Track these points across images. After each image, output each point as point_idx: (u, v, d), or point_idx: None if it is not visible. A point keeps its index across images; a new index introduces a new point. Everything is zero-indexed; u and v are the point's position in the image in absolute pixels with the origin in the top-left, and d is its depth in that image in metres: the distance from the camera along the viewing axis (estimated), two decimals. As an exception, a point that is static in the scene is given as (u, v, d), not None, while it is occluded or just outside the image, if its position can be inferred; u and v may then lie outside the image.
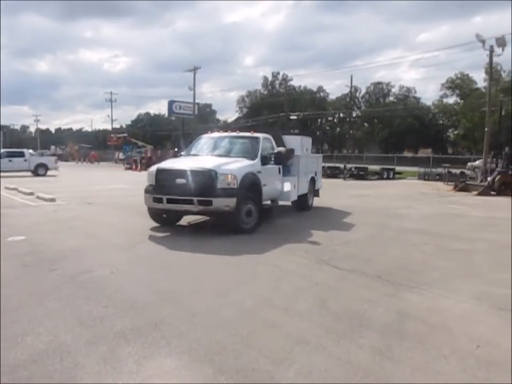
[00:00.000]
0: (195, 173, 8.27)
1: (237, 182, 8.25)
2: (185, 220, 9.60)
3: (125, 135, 56.47)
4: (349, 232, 8.97)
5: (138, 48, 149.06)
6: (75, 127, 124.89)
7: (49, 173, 26.80)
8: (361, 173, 29.25)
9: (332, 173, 29.87)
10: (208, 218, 9.76)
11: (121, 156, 50.75)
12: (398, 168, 33.31)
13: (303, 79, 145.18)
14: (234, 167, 8.60)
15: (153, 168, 8.94)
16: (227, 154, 9.67)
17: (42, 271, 5.59)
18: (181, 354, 3.38)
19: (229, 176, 8.24)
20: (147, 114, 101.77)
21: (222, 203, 8.01)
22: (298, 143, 11.71)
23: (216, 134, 10.85)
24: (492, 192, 18.45)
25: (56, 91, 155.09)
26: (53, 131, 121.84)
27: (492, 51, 24.51)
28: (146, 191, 8.66)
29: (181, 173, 8.31)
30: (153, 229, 8.85)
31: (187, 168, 8.38)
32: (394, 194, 18.17)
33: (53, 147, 72.56)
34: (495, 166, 20.29)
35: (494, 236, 8.79)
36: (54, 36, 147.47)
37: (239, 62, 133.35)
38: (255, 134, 10.32)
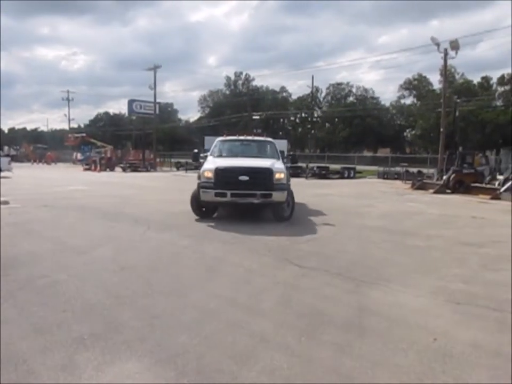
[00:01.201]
0: (256, 170, 9.76)
1: (285, 178, 9.94)
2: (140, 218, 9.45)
3: (83, 134, 54.86)
4: (312, 230, 9.08)
5: (97, 46, 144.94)
6: (30, 126, 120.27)
7: (2, 174, 25.65)
8: (323, 172, 29.72)
9: (294, 172, 30.11)
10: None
11: (79, 156, 49.21)
12: (359, 168, 34.04)
13: (266, 79, 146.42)
14: (280, 166, 10.31)
15: (209, 167, 9.95)
16: (259, 155, 11.32)
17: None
18: (142, 358, 3.31)
19: (281, 173, 9.84)
20: (106, 113, 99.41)
21: (278, 196, 9.65)
22: (285, 145, 12.32)
23: (239, 138, 12.39)
24: (448, 190, 19.17)
25: (10, 90, 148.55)
26: (6, 131, 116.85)
27: (446, 54, 25.44)
28: (204, 187, 9.63)
29: (243, 171, 9.62)
30: (113, 231, 8.65)
31: (248, 166, 9.84)
32: (355, 193, 18.57)
33: (6, 148, 69.49)
34: (450, 165, 21.06)
35: (449, 232, 9.14)
36: (8, 32, 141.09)
37: (202, 62, 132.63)
38: (269, 138, 12.37)
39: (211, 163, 10.27)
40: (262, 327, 3.93)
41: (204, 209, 10.31)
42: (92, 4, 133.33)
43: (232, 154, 11.31)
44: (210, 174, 9.73)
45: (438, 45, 25.01)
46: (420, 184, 21.39)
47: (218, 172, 9.69)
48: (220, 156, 11.18)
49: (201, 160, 11.60)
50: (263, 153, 11.65)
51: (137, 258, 6.46)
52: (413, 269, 6.04)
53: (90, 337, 3.66)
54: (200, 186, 9.76)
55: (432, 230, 9.43)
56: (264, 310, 4.37)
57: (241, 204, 9.78)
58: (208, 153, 11.54)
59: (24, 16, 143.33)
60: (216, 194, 9.53)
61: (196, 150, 12.31)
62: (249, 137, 12.44)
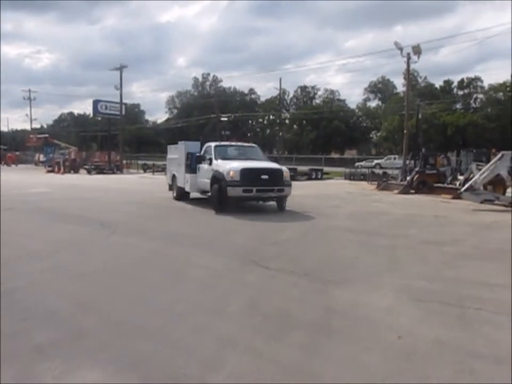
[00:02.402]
0: (272, 170, 12.11)
1: (289, 176, 12.42)
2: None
3: (46, 135, 53.18)
4: (279, 232, 9.10)
5: (63, 45, 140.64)
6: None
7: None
8: (291, 173, 29.75)
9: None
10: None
11: (42, 157, 47.69)
12: (326, 169, 34.48)
13: (235, 80, 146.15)
14: (282, 166, 13.05)
15: (235, 167, 11.52)
16: (255, 158, 13.17)
17: None
18: (106, 365, 3.21)
19: (287, 173, 12.35)
20: (70, 114, 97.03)
21: (287, 190, 12.16)
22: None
23: (234, 143, 14.75)
24: (411, 191, 19.66)
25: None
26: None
27: (409, 58, 26.15)
28: (231, 185, 11.31)
29: (264, 171, 11.85)
30: (75, 235, 8.42)
31: (266, 167, 12.23)
32: (322, 194, 18.79)
33: (-37, 149, 66.58)
34: (413, 166, 21.61)
35: (413, 231, 9.37)
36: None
37: (171, 62, 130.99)
38: (253, 144, 15.30)
39: (226, 164, 11.84)
40: (229, 330, 3.89)
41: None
42: (57, 0, 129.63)
43: (233, 157, 12.83)
44: (234, 174, 11.38)
45: (401, 49, 25.69)
46: (385, 185, 21.86)
47: (245, 172, 11.45)
48: (224, 158, 12.43)
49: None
50: (255, 155, 13.50)
51: (101, 264, 6.29)
52: (378, 268, 6.13)
53: (51, 345, 3.52)
54: (227, 184, 11.33)
55: (396, 229, 9.64)
56: (231, 313, 4.34)
57: (260, 197, 12.11)
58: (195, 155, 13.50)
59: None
60: (244, 191, 11.36)
61: (198, 154, 13.45)
62: (240, 143, 14.89)
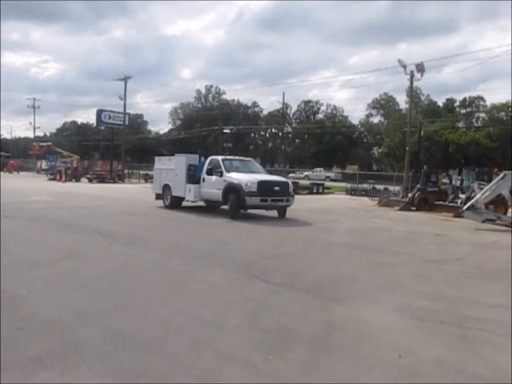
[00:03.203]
0: (282, 183, 14.11)
1: (292, 188, 14.45)
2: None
3: (49, 143, 53.46)
4: (279, 246, 9.08)
5: (69, 55, 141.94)
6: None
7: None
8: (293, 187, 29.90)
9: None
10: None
11: (44, 165, 47.83)
12: (327, 184, 34.51)
13: (238, 93, 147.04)
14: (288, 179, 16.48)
15: (252, 179, 13.08)
16: (256, 171, 14.78)
17: None
18: (104, 378, 3.18)
19: (291, 185, 14.53)
20: (73, 123, 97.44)
21: (291, 200, 13.94)
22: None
23: (238, 157, 16.34)
24: (412, 208, 19.63)
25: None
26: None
27: (412, 75, 26.36)
28: (249, 195, 12.78)
29: (276, 183, 13.69)
30: (76, 244, 8.40)
31: (277, 180, 14.30)
32: (323, 208, 18.76)
33: (-35, 155, 66.84)
34: (415, 183, 21.59)
35: (414, 249, 9.33)
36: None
37: (175, 74, 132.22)
38: (251, 159, 17.56)
39: (240, 176, 13.43)
40: (228, 344, 3.86)
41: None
42: (64, 9, 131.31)
43: (238, 169, 14.24)
44: (252, 185, 12.89)
45: (404, 67, 25.91)
46: (386, 201, 21.84)
47: (262, 184, 13.02)
48: (231, 171, 13.88)
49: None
50: (255, 168, 15.19)
51: (101, 273, 6.27)
52: (379, 286, 6.10)
53: (49, 356, 3.49)
54: (245, 194, 12.77)
55: (397, 246, 9.60)
56: (231, 327, 4.31)
57: (273, 206, 13.60)
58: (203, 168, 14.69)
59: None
60: (261, 200, 12.89)
61: (209, 167, 14.58)
62: (242, 157, 16.72)
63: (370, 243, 9.92)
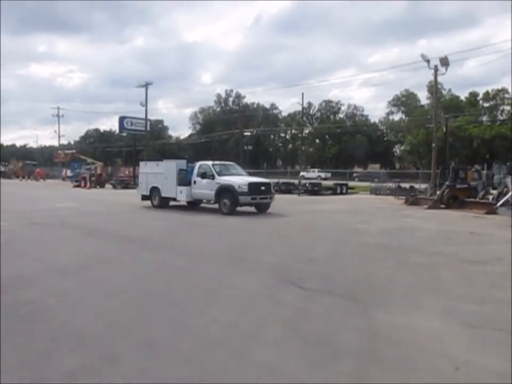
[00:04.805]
0: (266, 183, 16.21)
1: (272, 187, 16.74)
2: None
3: (73, 151, 54.41)
4: (309, 249, 8.82)
5: (93, 64, 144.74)
6: (19, 143, 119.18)
7: (-11, 191, 25.12)
8: (316, 188, 29.54)
9: (286, 189, 30.03)
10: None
11: (69, 173, 48.64)
12: (351, 183, 33.97)
13: (258, 96, 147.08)
14: (270, 180, 18.31)
15: (243, 182, 15.11)
16: (239, 173, 16.90)
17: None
18: (141, 395, 3.00)
19: (272, 184, 16.79)
20: (96, 130, 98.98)
21: (273, 198, 16.17)
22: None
23: (225, 162, 18.34)
24: (441, 206, 19.06)
25: (3, 106, 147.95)
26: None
27: (436, 70, 25.70)
28: (242, 194, 14.76)
29: (262, 184, 15.90)
30: (104, 251, 8.33)
31: (263, 181, 16.47)
32: (349, 209, 18.39)
33: (-6, 164, 68.64)
34: (443, 180, 20.99)
35: (451, 249, 8.92)
36: (3, 50, 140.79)
37: (196, 79, 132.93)
38: (233, 163, 18.84)
39: (232, 179, 15.51)
40: (269, 356, 3.64)
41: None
42: (88, 20, 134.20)
43: (226, 173, 16.27)
44: (243, 186, 14.87)
45: (428, 61, 25.28)
46: (413, 199, 21.27)
47: (251, 185, 15.10)
48: (221, 174, 15.90)
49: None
50: (239, 171, 17.37)
51: (131, 281, 6.14)
52: (420, 289, 5.79)
53: (83, 371, 3.34)
54: (239, 194, 14.78)
55: (433, 246, 9.21)
56: (270, 337, 4.08)
57: (261, 203, 15.66)
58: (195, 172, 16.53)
59: (21, 34, 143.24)
60: (252, 198, 14.98)
61: (203, 171, 16.45)
62: (225, 162, 18.55)
63: (404, 243, 9.56)
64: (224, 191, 15.25)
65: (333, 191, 29.94)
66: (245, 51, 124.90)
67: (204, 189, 15.99)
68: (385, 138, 76.88)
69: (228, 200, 15.08)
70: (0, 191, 25.02)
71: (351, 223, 13.18)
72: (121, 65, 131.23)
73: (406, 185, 28.37)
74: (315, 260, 7.65)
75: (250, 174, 19.35)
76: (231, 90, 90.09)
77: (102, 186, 36.57)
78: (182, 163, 17.61)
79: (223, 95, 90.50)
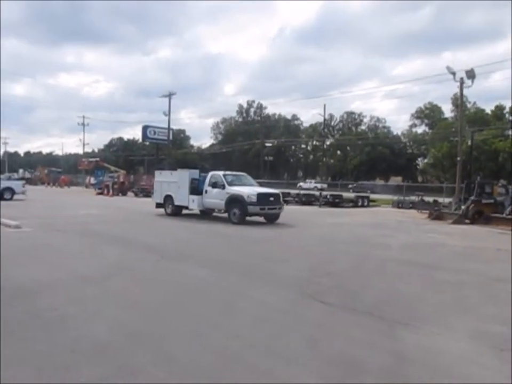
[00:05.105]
0: (275, 194, 16.26)
1: (281, 198, 16.72)
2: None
3: (97, 159, 55.37)
4: (330, 262, 8.66)
5: (118, 74, 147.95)
6: (45, 150, 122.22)
7: (16, 197, 25.69)
8: (337, 200, 29.22)
9: (307, 200, 29.83)
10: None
11: (92, 180, 49.46)
12: (372, 196, 33.54)
13: (279, 107, 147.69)
14: (279, 191, 17.63)
15: (252, 192, 15.28)
16: (250, 184, 17.22)
17: None
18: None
19: (281, 195, 16.68)
20: (120, 139, 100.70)
21: (282, 208, 16.37)
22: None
23: (235, 173, 18.47)
24: (466, 221, 18.60)
25: (30, 114, 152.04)
26: (22, 154, 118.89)
27: (462, 82, 25.30)
28: (251, 204, 14.97)
29: (271, 195, 15.99)
30: (124, 259, 8.34)
31: (272, 192, 16.47)
32: (371, 222, 18.09)
33: (21, 170, 70.29)
34: (468, 195, 20.51)
35: (477, 266, 8.65)
36: (34, 60, 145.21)
37: (219, 90, 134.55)
38: (245, 173, 18.85)
39: (242, 189, 15.68)
40: (290, 374, 3.52)
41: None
42: (115, 31, 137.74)
43: (236, 183, 16.55)
44: (252, 197, 15.08)
45: (454, 74, 24.90)
46: (437, 214, 20.82)
47: (260, 195, 15.28)
48: (231, 184, 16.17)
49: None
50: (249, 182, 17.60)
51: (151, 291, 6.10)
52: (447, 308, 5.59)
53: (102, 381, 3.29)
54: (248, 204, 14.98)
55: (459, 263, 8.96)
56: (291, 354, 3.96)
57: (269, 213, 15.80)
58: (207, 182, 16.82)
59: (50, 45, 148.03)
60: (260, 209, 15.17)
61: (214, 181, 16.82)
62: (237, 172, 18.78)
63: (429, 259, 9.31)
64: (234, 201, 15.46)
65: (354, 203, 29.59)
66: (268, 62, 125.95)
67: (214, 198, 16.28)
68: (408, 151, 75.82)
69: (237, 209, 15.29)
70: (25, 196, 25.59)
71: (374, 236, 12.93)
72: (146, 75, 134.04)
73: (429, 199, 27.87)
74: (334, 274, 7.49)
75: (261, 185, 19.83)
76: (253, 101, 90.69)
77: (124, 194, 36.99)
78: (195, 172, 17.97)
79: (245, 105, 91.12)
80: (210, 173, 17.21)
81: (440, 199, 28.66)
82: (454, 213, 20.57)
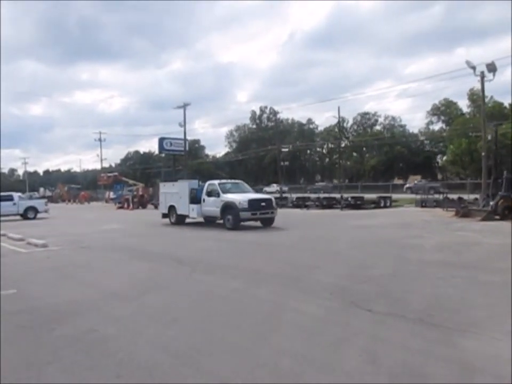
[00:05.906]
0: (267, 199, 17.07)
1: (275, 203, 17.35)
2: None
3: (116, 173, 55.82)
4: (368, 267, 8.37)
5: (133, 89, 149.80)
6: (64, 168, 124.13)
7: (39, 215, 25.96)
8: (358, 202, 28.76)
9: (328, 204, 29.47)
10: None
11: (111, 195, 49.84)
12: (394, 196, 32.98)
13: (293, 111, 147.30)
14: (271, 196, 18.92)
15: (244, 199, 16.04)
16: (246, 191, 17.99)
17: (38, 333, 4.87)
18: None
19: (274, 200, 17.42)
20: (136, 152, 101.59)
21: (275, 212, 16.98)
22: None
23: (231, 181, 19.82)
24: (496, 217, 18.05)
25: (48, 133, 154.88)
26: (41, 173, 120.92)
27: (483, 76, 24.73)
28: (243, 210, 15.72)
29: (262, 200, 16.77)
30: (156, 273, 8.20)
31: (263, 197, 17.44)
32: (397, 223, 17.66)
33: (41, 189, 71.43)
34: (496, 191, 19.94)
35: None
36: (50, 80, 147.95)
37: (231, 98, 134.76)
38: (240, 181, 19.94)
39: (234, 196, 16.49)
40: None
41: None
42: (128, 47, 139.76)
43: (232, 191, 17.34)
44: (244, 203, 15.85)
45: (474, 68, 24.35)
46: (465, 211, 20.27)
47: (251, 201, 16.06)
48: (226, 192, 16.99)
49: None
50: (245, 189, 18.34)
51: (188, 306, 5.93)
52: (502, 311, 5.26)
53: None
54: (239, 210, 15.74)
55: (499, 262, 8.56)
56: (348, 369, 3.72)
57: (261, 218, 16.56)
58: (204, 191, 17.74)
59: (65, 64, 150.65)
60: (252, 214, 15.99)
61: (209, 190, 17.77)
62: (233, 180, 20.14)
63: (467, 260, 8.95)
64: (228, 208, 16.27)
65: (376, 204, 29.09)
66: (280, 68, 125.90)
67: (211, 206, 17.12)
68: (427, 149, 74.70)
69: (230, 216, 16.10)
70: (47, 213, 25.81)
71: (403, 238, 12.55)
72: (160, 88, 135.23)
73: (454, 196, 27.23)
74: (374, 280, 7.20)
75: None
76: (266, 107, 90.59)
77: (144, 207, 37.10)
78: (194, 183, 19.22)
79: (258, 112, 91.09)
80: (207, 182, 18.15)
81: (465, 196, 28.03)
82: (482, 209, 20.00)
